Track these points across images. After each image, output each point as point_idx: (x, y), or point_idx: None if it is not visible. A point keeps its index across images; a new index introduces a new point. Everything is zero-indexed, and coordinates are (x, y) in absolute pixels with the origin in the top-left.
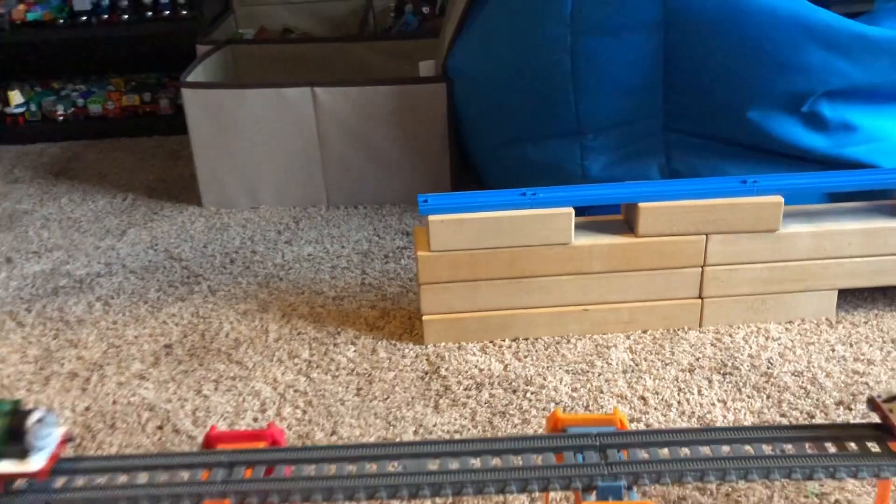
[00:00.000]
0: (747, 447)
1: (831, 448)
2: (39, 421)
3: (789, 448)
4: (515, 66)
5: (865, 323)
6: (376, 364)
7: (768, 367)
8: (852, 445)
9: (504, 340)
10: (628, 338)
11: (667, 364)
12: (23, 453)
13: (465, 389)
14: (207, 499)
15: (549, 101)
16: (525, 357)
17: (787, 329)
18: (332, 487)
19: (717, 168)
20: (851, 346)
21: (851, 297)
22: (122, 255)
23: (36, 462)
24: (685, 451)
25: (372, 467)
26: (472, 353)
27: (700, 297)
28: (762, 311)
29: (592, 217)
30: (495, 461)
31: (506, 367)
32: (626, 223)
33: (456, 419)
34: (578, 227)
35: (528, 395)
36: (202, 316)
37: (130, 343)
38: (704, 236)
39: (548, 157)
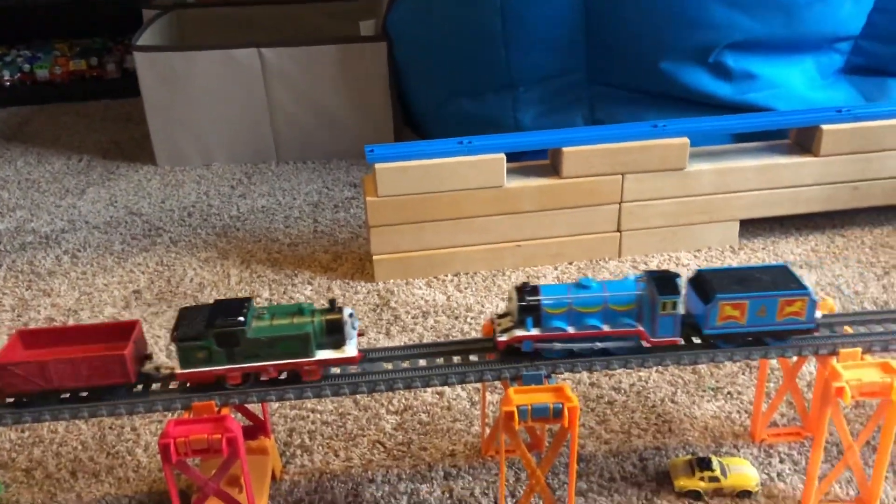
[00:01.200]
0: None
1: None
2: (351, 315)
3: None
4: (451, 26)
5: (763, 249)
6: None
7: None
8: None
9: (447, 275)
10: (556, 269)
11: None
12: (339, 343)
13: (413, 318)
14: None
15: (483, 57)
16: (465, 289)
17: (695, 256)
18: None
19: (636, 116)
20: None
21: (752, 227)
22: (83, 212)
23: (350, 349)
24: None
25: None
26: (418, 287)
27: (618, 230)
28: (673, 241)
29: (524, 162)
30: (439, 360)
31: (448, 297)
32: (553, 167)
33: (405, 342)
34: (510, 171)
35: (469, 319)
36: (166, 264)
37: (101, 290)
38: (621, 176)
39: (484, 110)
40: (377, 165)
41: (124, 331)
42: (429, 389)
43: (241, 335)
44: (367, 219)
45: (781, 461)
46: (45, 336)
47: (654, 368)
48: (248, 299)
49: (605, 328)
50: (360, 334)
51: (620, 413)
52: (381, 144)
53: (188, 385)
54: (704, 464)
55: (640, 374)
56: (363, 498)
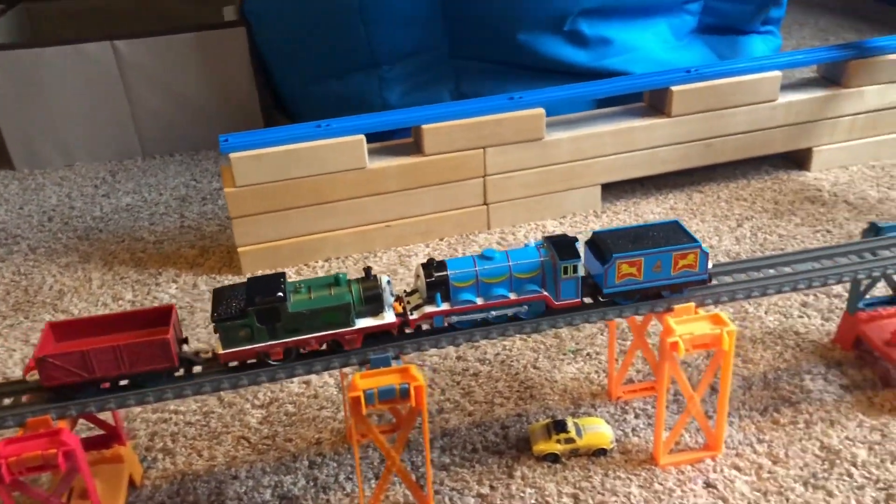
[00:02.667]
0: None
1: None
2: (388, 283)
3: None
4: (308, 6)
5: (625, 210)
6: (198, 297)
7: None
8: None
9: (317, 262)
10: (427, 246)
11: None
12: (377, 310)
13: None
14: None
15: (344, 37)
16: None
17: (560, 223)
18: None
19: (500, 88)
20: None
21: (613, 190)
22: None
23: (388, 316)
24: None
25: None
26: (288, 276)
27: (485, 203)
28: (539, 210)
29: (387, 142)
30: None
31: None
32: (416, 144)
33: None
34: (374, 151)
35: None
36: (24, 273)
37: None
38: (482, 150)
39: (350, 91)
40: (232, 155)
41: (158, 316)
42: (295, 380)
43: (282, 310)
44: (228, 211)
45: (636, 416)
46: (75, 327)
47: (518, 336)
48: (282, 274)
49: (512, 296)
50: (397, 300)
51: (485, 384)
52: (236, 133)
53: (231, 365)
54: (560, 426)
55: (505, 343)
56: (227, 496)
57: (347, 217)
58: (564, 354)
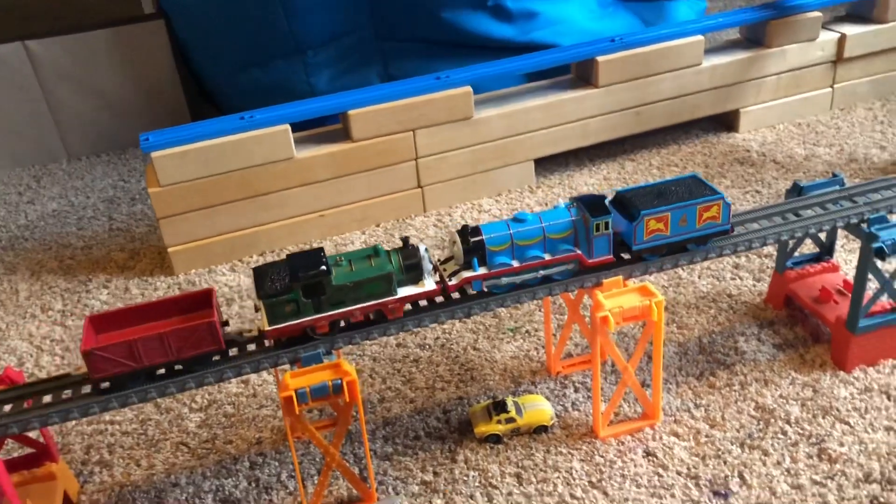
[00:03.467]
0: None
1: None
2: (426, 251)
3: None
4: None
5: (560, 184)
6: (129, 301)
7: None
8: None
9: (252, 257)
10: (363, 233)
11: None
12: (417, 278)
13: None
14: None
15: (263, 23)
16: None
17: (496, 201)
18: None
19: (429, 67)
20: (547, 205)
21: (547, 164)
22: None
23: (429, 283)
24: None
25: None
26: (221, 274)
27: (419, 186)
28: (474, 189)
29: (314, 130)
30: (233, 351)
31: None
32: (344, 131)
33: None
34: (300, 140)
35: None
36: None
37: None
38: (412, 132)
39: (276, 79)
40: (154, 154)
41: (197, 300)
42: (234, 380)
43: (326, 283)
44: (154, 211)
45: (576, 390)
46: (114, 318)
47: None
48: (321, 249)
49: (547, 257)
50: (435, 269)
51: (426, 369)
52: (158, 131)
53: (277, 341)
54: (500, 407)
55: (444, 326)
56: None
57: (279, 209)
58: (504, 334)
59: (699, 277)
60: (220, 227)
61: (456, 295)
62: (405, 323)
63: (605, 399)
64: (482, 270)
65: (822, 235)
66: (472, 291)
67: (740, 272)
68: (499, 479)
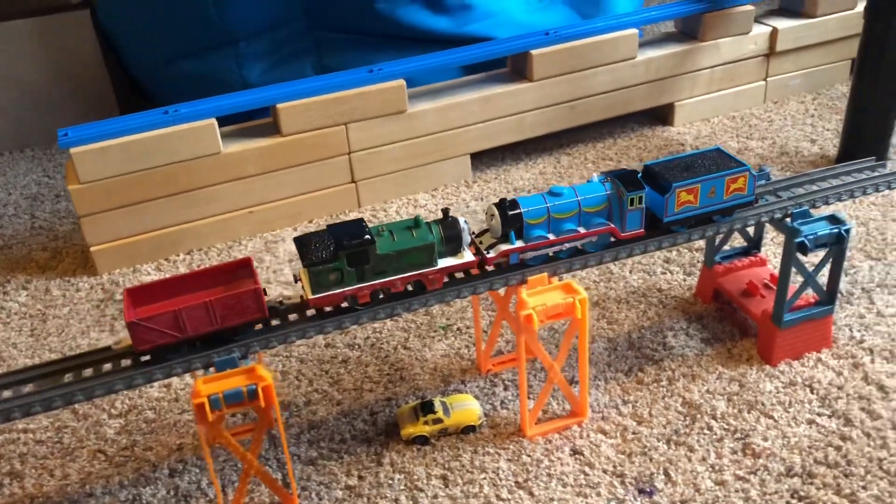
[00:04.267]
0: None
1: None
2: (465, 223)
3: None
4: None
5: (496, 178)
6: (50, 303)
7: None
8: None
9: (178, 255)
10: (295, 230)
11: None
12: (456, 250)
13: None
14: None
15: (192, 14)
16: (199, 267)
17: (432, 196)
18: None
19: (365, 59)
20: (482, 199)
21: (484, 158)
22: None
23: (467, 255)
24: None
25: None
26: (146, 273)
27: (353, 181)
28: (409, 183)
29: (242, 123)
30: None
31: None
32: (274, 125)
33: None
34: (228, 135)
35: None
36: None
37: None
38: (344, 126)
39: (207, 70)
40: (73, 150)
41: (235, 270)
42: (156, 384)
43: (371, 252)
44: (75, 209)
45: (505, 388)
46: (152, 290)
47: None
48: (361, 219)
49: (582, 230)
50: (471, 242)
51: (354, 370)
52: (78, 126)
53: (320, 310)
54: (427, 408)
55: (375, 325)
56: None
57: (207, 206)
58: (435, 332)
59: (630, 272)
60: (146, 225)
61: (490, 267)
62: (444, 294)
63: (534, 397)
64: (519, 243)
65: (751, 229)
66: (510, 263)
67: (671, 266)
68: (424, 481)
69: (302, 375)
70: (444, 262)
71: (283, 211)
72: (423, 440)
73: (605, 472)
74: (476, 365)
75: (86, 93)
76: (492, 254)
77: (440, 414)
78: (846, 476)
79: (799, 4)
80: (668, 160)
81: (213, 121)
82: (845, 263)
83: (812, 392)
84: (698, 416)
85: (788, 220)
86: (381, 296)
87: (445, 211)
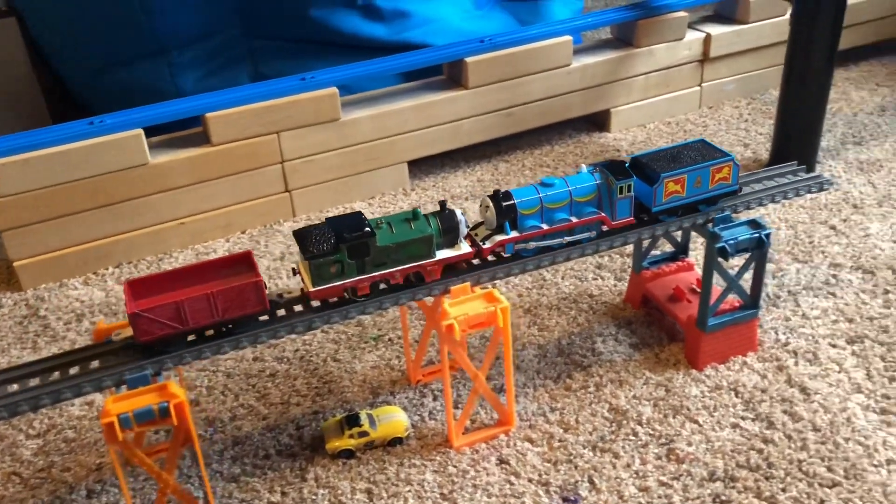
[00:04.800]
0: None
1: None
2: (463, 214)
3: None
4: None
5: (434, 186)
6: None
7: None
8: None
9: (107, 269)
10: (228, 241)
11: (260, 257)
12: (453, 241)
13: (66, 324)
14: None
15: (122, 23)
16: (129, 278)
17: (369, 204)
18: None
19: (302, 67)
20: (420, 208)
21: (422, 166)
22: None
23: (464, 247)
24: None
25: None
26: (73, 287)
27: (287, 190)
28: (346, 192)
29: (172, 133)
30: (55, 375)
31: (108, 293)
32: (204, 134)
33: (55, 352)
34: (157, 145)
35: None
36: None
37: None
38: (276, 135)
39: (140, 80)
40: None
41: (235, 263)
42: (76, 401)
43: (371, 244)
44: None
45: (434, 399)
46: (152, 282)
47: (319, 329)
48: (360, 212)
49: (573, 219)
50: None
51: (282, 383)
52: None
53: (321, 302)
54: (353, 421)
55: (305, 338)
56: None
57: (136, 218)
58: (366, 342)
59: (562, 279)
60: (73, 238)
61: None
62: (451, 283)
63: (462, 407)
64: (514, 234)
65: (678, 234)
66: (505, 255)
67: (602, 272)
68: (349, 496)
69: (228, 390)
70: (441, 254)
71: (216, 222)
72: (348, 454)
73: (530, 480)
74: (406, 376)
75: (15, 103)
76: (488, 244)
77: (366, 427)
78: (767, 479)
79: (732, 11)
80: (654, 152)
81: (140, 131)
82: (773, 266)
83: (737, 396)
84: (624, 421)
85: (710, 225)
86: (381, 286)
87: (443, 203)
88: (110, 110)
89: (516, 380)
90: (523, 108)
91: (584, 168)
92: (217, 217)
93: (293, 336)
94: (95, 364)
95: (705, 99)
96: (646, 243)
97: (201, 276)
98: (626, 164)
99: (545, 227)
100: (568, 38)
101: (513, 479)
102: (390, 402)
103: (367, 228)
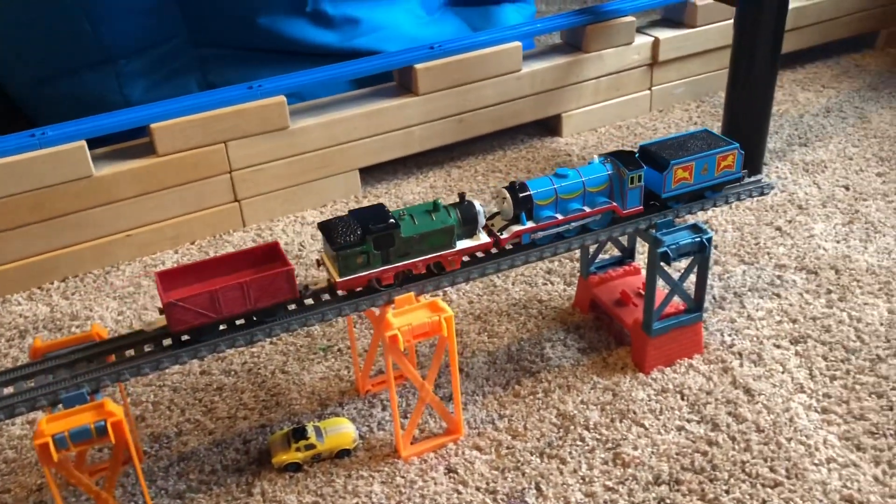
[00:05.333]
0: None
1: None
2: (481, 205)
3: None
4: (21, 1)
5: (387, 193)
6: None
7: (299, 250)
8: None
9: (52, 283)
10: (176, 252)
11: None
12: (472, 232)
13: (8, 340)
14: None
15: (66, 32)
16: (73, 294)
17: (321, 212)
18: None
19: (252, 75)
20: None
21: (375, 173)
22: None
23: (483, 237)
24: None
25: None
26: (16, 303)
27: (236, 200)
28: (296, 200)
29: (117, 144)
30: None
31: (53, 308)
32: (150, 145)
33: None
34: (102, 157)
35: (74, 329)
36: None
37: None
38: (223, 144)
39: (87, 90)
40: None
41: (264, 253)
42: (18, 420)
43: (396, 235)
44: None
45: (383, 409)
46: (181, 274)
47: (268, 340)
48: (382, 204)
49: (587, 209)
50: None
51: (229, 397)
52: None
53: (347, 292)
54: (299, 434)
55: (253, 350)
56: None
57: (80, 231)
58: (315, 353)
59: (513, 284)
60: (14, 253)
61: (506, 247)
62: (471, 272)
63: (410, 417)
64: (530, 224)
65: (624, 239)
66: (522, 244)
67: (552, 277)
68: None
69: (174, 405)
70: (461, 244)
71: (164, 233)
72: (295, 467)
73: (478, 489)
74: (355, 386)
75: None
76: (505, 235)
77: (313, 439)
78: (711, 481)
79: (680, 15)
80: (661, 141)
81: (83, 143)
82: (719, 268)
83: (682, 398)
84: (572, 427)
85: (652, 230)
86: (407, 274)
87: (462, 195)
88: (56, 121)
89: (466, 387)
90: (474, 113)
91: (596, 159)
92: (165, 228)
93: (256, 345)
94: (30, 384)
95: (655, 102)
96: (592, 248)
97: (229, 266)
98: (636, 154)
99: (559, 216)
100: (517, 44)
101: (461, 487)
102: (339, 414)
103: (392, 220)
